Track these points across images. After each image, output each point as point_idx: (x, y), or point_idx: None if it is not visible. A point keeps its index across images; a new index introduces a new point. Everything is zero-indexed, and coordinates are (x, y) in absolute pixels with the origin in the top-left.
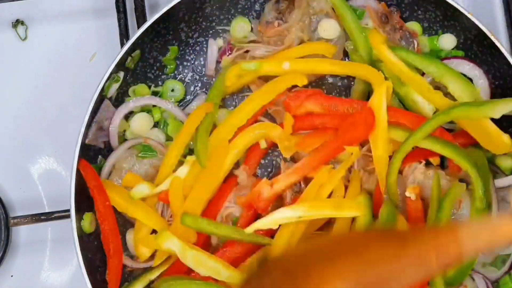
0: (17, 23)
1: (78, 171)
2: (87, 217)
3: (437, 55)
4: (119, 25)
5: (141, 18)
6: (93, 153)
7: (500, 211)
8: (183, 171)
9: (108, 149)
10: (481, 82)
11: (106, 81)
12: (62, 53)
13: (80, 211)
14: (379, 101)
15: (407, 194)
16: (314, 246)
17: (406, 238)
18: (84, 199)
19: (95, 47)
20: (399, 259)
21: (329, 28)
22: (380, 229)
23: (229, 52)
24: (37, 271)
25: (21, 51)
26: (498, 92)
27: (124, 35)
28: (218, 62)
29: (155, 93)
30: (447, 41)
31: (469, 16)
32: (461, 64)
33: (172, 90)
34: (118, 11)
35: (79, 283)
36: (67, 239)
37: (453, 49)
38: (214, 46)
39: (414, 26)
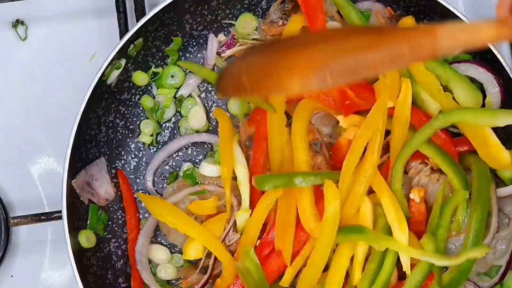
0: (17, 23)
1: (70, 165)
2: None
3: (444, 59)
4: (119, 25)
5: (141, 18)
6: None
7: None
8: None
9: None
10: (493, 87)
11: (107, 67)
12: (62, 53)
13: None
14: (404, 99)
15: (411, 196)
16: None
17: (381, 31)
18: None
19: (95, 47)
20: (371, 49)
21: None
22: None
23: (232, 45)
24: (37, 271)
25: (21, 51)
26: None
27: (124, 35)
28: (219, 54)
29: (155, 74)
30: None
31: None
32: (474, 67)
33: (172, 76)
34: (118, 11)
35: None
36: None
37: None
38: (214, 41)
39: None
